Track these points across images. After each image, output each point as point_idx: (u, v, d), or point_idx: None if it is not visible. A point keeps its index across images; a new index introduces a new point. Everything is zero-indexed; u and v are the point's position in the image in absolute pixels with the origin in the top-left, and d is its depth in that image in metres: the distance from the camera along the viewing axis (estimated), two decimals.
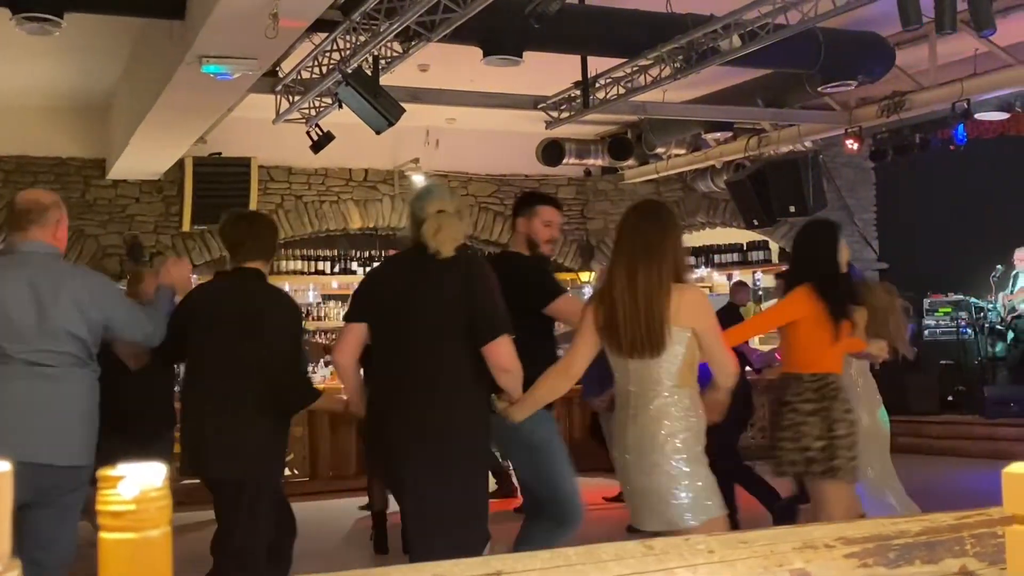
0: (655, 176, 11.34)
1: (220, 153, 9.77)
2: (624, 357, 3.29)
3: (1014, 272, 10.58)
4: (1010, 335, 10.38)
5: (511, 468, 6.11)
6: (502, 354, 3.40)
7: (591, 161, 11.11)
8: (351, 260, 10.91)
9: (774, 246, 11.96)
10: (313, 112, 7.96)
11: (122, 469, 0.56)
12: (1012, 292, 10.54)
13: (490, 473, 4.87)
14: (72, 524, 3.57)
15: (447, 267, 3.42)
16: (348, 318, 3.72)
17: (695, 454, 3.23)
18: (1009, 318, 10.38)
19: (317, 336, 10.14)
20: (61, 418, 3.41)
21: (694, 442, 3.24)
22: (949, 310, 10.76)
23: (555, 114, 8.73)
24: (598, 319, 3.34)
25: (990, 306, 10.54)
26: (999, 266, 10.50)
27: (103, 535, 0.56)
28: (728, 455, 6.03)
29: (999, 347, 10.42)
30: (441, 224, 3.42)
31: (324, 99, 7.58)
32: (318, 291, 11.05)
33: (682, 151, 10.66)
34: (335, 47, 6.63)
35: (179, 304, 3.99)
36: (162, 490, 0.56)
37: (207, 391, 3.79)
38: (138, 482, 0.55)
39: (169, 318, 3.85)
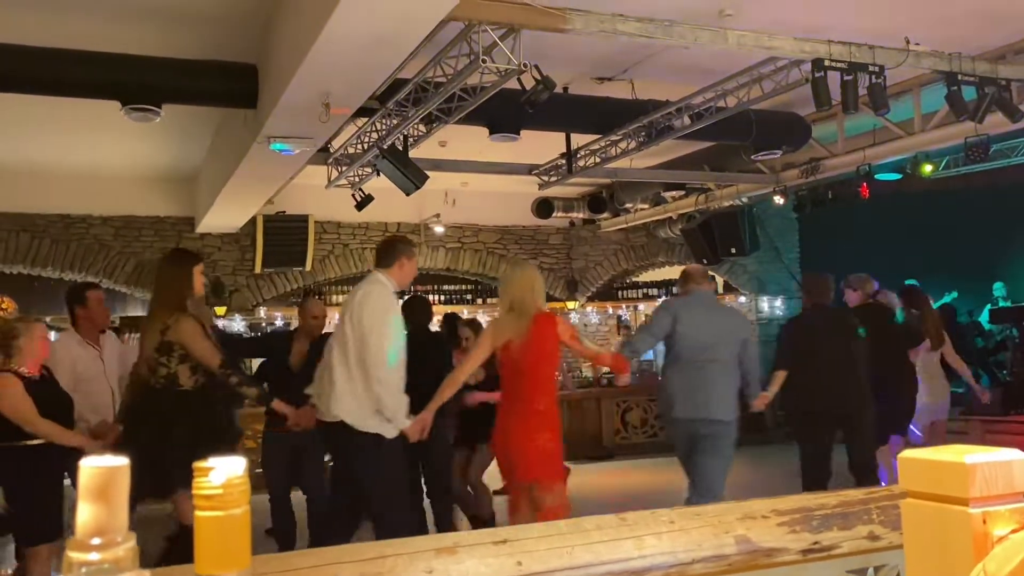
0: (625, 226, 11.36)
1: (284, 211, 9.81)
2: None
3: None
4: None
5: None
6: None
7: (575, 214, 11.14)
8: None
9: (719, 279, 11.96)
10: (357, 179, 8.00)
11: (212, 462, 0.56)
12: None
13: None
14: (723, 465, 4.65)
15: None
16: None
17: None
18: None
19: None
20: (730, 391, 4.69)
21: None
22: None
23: (546, 178, 8.77)
24: None
25: None
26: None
27: (198, 513, 0.56)
28: None
29: None
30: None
31: (365, 169, 7.62)
32: None
33: (646, 206, 10.69)
34: (374, 128, 6.68)
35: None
36: (242, 477, 0.56)
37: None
38: (224, 472, 0.56)
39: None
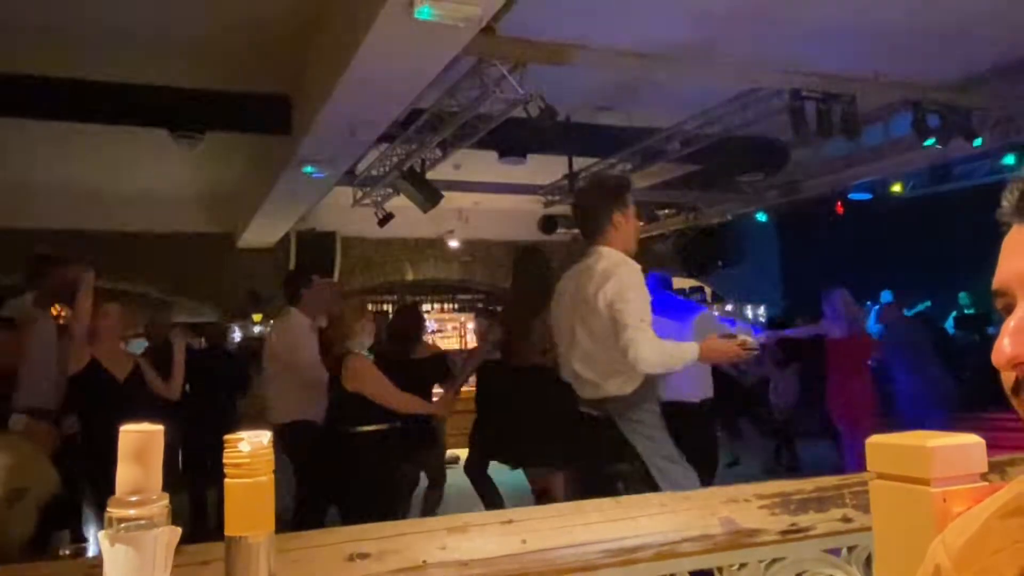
0: None
1: (315, 228, 9.82)
2: None
3: None
4: None
5: None
6: None
7: (576, 231, 11.11)
8: (405, 302, 10.92)
9: (708, 289, 11.93)
10: (379, 198, 8.03)
11: (240, 434, 0.56)
12: None
13: None
14: None
15: None
16: None
17: None
18: None
19: None
20: None
21: None
22: None
23: (550, 197, 8.79)
24: None
25: None
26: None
27: (228, 480, 0.56)
28: None
29: None
30: None
31: (387, 189, 7.65)
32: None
33: (641, 223, 10.62)
34: (395, 152, 6.71)
35: None
36: (267, 448, 0.57)
37: None
38: (251, 442, 0.56)
39: None
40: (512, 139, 6.38)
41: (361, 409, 3.59)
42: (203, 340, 8.50)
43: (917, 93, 5.86)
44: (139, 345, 6.45)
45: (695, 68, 5.16)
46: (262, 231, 8.92)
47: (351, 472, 3.56)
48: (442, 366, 5.02)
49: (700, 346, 2.73)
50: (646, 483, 2.67)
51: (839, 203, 8.28)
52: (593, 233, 2.88)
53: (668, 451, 2.80)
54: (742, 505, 1.31)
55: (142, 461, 0.52)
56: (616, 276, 2.71)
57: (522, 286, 4.28)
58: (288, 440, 4.28)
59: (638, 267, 2.79)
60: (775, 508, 1.32)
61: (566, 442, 3.15)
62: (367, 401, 3.58)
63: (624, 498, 1.32)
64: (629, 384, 2.76)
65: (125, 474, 0.52)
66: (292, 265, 9.78)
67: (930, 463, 0.71)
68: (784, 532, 1.31)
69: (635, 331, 2.61)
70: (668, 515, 1.27)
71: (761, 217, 9.42)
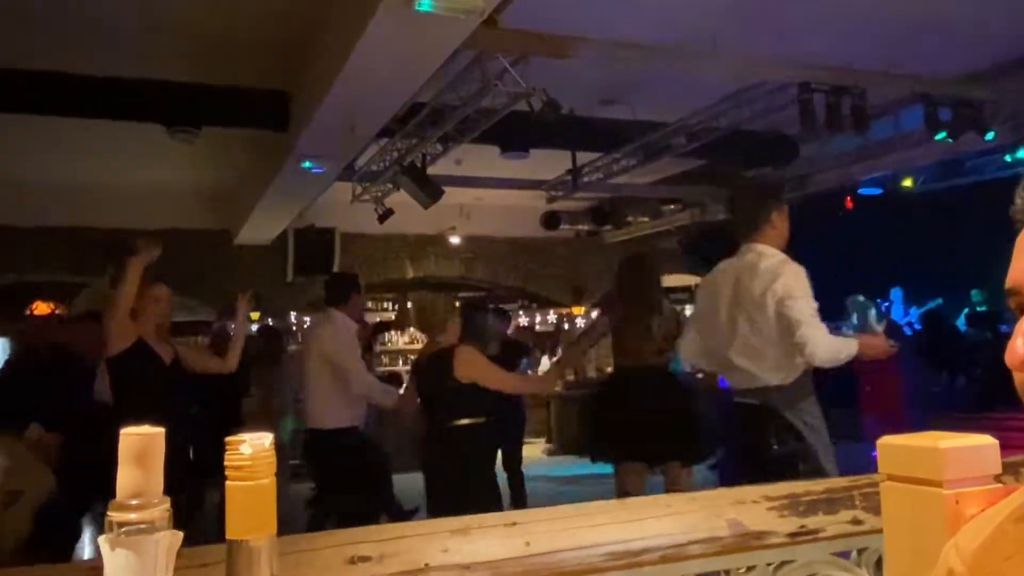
0: (626, 237, 11.32)
1: (313, 224, 9.82)
2: None
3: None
4: None
5: None
6: None
7: (580, 226, 11.12)
8: (406, 300, 10.92)
9: None
10: (379, 194, 8.02)
11: (242, 436, 0.56)
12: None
13: None
14: None
15: None
16: None
17: None
18: None
19: None
20: None
21: None
22: None
23: (553, 193, 8.78)
24: None
25: None
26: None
27: (229, 483, 0.56)
28: None
29: None
30: None
31: (387, 185, 7.65)
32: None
33: (646, 219, 10.66)
34: (395, 147, 6.70)
35: None
36: (269, 450, 0.56)
37: None
38: (253, 445, 0.56)
39: None
40: (514, 134, 6.37)
41: (468, 400, 3.57)
42: (199, 339, 8.51)
43: (928, 86, 5.84)
44: None
45: (701, 61, 5.15)
46: (260, 227, 8.92)
47: (461, 469, 3.55)
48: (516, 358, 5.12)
49: (860, 342, 2.97)
50: (815, 469, 2.79)
51: (848, 198, 8.25)
52: (750, 231, 3.17)
53: (826, 440, 2.96)
54: (750, 507, 1.31)
55: (143, 464, 0.52)
56: (783, 276, 2.94)
57: (634, 291, 4.24)
58: (331, 446, 4.25)
59: (799, 265, 3.00)
60: (784, 510, 1.32)
61: (723, 433, 3.32)
62: (466, 394, 3.55)
63: (629, 500, 1.32)
64: (790, 375, 2.96)
65: (126, 477, 0.52)
66: (291, 261, 9.80)
67: (942, 464, 0.70)
68: (793, 534, 1.30)
69: (809, 327, 2.82)
70: (674, 517, 1.27)
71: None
